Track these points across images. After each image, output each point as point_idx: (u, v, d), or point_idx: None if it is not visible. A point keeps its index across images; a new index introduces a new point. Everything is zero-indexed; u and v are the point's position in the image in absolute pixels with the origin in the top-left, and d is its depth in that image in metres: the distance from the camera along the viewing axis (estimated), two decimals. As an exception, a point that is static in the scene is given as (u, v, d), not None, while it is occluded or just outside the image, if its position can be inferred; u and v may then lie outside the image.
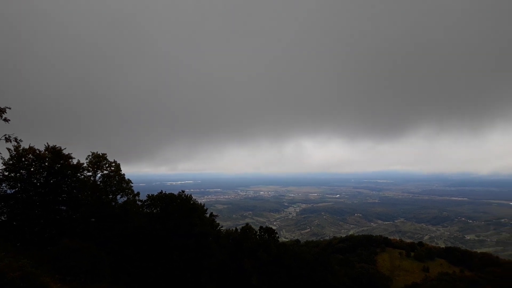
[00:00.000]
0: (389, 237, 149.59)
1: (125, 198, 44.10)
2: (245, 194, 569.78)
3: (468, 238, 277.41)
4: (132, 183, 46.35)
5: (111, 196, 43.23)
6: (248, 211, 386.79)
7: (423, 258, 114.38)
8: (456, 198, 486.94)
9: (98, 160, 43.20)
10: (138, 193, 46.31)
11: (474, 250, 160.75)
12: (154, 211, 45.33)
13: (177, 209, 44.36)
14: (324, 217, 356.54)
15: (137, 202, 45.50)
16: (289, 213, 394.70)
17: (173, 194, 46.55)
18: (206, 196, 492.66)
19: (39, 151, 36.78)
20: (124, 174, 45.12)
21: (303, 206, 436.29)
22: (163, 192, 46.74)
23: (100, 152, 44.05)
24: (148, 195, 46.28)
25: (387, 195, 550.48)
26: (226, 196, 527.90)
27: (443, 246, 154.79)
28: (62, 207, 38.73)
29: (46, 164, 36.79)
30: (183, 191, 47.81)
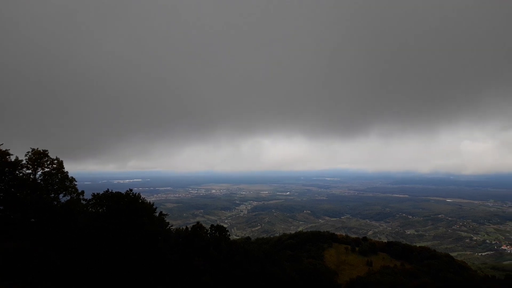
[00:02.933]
0: (335, 233, 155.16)
1: (68, 197, 42.39)
2: (197, 193, 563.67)
3: (408, 233, 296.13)
4: (76, 182, 44.72)
5: (53, 195, 41.42)
6: (199, 209, 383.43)
7: (367, 253, 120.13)
8: (397, 195, 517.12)
9: (38, 157, 41.13)
10: (82, 192, 44.72)
11: (414, 244, 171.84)
12: (100, 210, 43.77)
13: (125, 208, 43.19)
14: (275, 214, 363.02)
15: (82, 201, 43.85)
16: (241, 211, 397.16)
17: (120, 192, 45.21)
18: (155, 195, 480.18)
19: (-28, 147, 34.32)
20: (67, 172, 43.45)
21: (255, 203, 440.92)
22: (110, 190, 45.28)
23: (41, 149, 41.98)
24: (93, 193, 44.53)
25: (335, 193, 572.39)
26: (177, 195, 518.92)
27: (385, 240, 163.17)
28: (-1, 207, 36.44)
29: (-20, 161, 34.41)
30: (131, 190, 46.63)
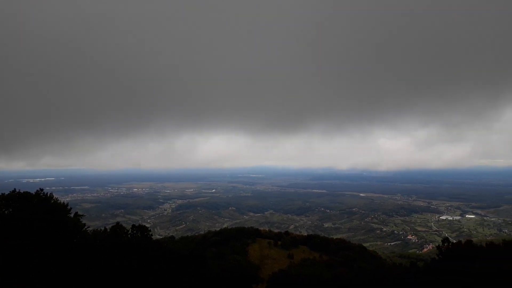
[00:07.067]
0: (259, 228, 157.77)
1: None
2: (117, 192, 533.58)
3: (326, 226, 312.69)
4: (-24, 181, 40.20)
5: None
6: (119, 209, 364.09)
7: (289, 246, 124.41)
8: (317, 191, 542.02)
9: None
10: (-17, 193, 40.35)
11: (331, 236, 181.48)
12: (6, 212, 39.86)
13: (34, 210, 39.81)
14: (200, 212, 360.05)
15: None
16: (164, 210, 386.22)
17: (29, 192, 41.71)
18: (70, 195, 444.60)
19: None
20: (-36, 171, 38.83)
21: (179, 202, 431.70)
22: (17, 190, 41.45)
23: None
24: (-3, 194, 40.49)
25: (259, 189, 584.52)
26: (95, 194, 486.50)
27: (305, 234, 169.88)
28: None
29: None
30: (41, 189, 43.17)
